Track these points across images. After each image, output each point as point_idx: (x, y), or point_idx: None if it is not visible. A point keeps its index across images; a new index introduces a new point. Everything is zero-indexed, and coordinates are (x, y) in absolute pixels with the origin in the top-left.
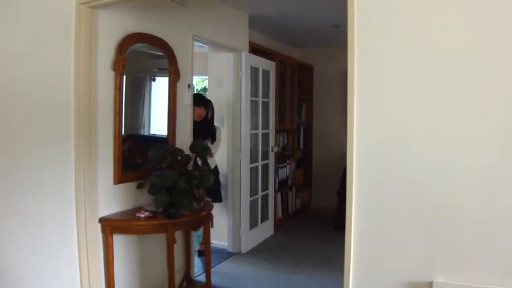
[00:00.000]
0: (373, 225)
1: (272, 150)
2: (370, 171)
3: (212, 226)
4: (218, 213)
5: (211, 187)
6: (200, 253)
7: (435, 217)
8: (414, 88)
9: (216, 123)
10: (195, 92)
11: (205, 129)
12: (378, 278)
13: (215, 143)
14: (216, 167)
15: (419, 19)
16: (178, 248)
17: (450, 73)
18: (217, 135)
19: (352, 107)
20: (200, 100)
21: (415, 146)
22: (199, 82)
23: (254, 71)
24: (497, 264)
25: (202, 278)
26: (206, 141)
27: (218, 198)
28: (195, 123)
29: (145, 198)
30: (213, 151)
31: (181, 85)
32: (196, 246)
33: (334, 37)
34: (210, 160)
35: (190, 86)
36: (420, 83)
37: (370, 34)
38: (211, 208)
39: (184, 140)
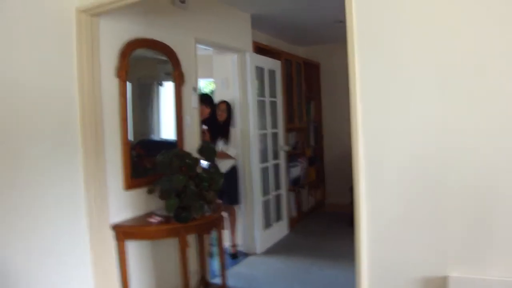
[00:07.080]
0: (384, 221)
1: (282, 150)
2: (377, 167)
3: (223, 228)
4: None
5: (230, 189)
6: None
7: (447, 210)
8: (417, 82)
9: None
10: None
11: (217, 129)
12: (392, 274)
13: (230, 143)
14: (234, 167)
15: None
16: (192, 252)
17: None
18: (231, 135)
19: (355, 103)
20: (202, 98)
21: (419, 138)
22: (207, 85)
23: (259, 71)
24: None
25: (218, 280)
26: (220, 141)
27: (236, 200)
28: (207, 123)
29: (156, 203)
30: (229, 152)
31: (186, 89)
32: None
33: (339, 33)
34: (225, 162)
35: (195, 89)
36: (422, 77)
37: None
38: (222, 210)
39: (192, 143)
